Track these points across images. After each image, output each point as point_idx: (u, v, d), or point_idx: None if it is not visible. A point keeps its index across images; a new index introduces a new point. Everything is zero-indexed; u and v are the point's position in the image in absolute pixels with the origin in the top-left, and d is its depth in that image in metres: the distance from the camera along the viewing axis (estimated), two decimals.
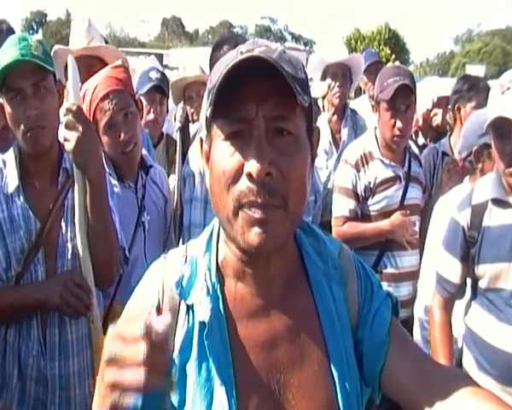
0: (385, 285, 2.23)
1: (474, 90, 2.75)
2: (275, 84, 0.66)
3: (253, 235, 0.69)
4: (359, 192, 2.30)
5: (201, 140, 0.79)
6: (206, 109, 0.73)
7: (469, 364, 1.67)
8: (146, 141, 2.48)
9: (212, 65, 2.00)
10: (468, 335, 1.70)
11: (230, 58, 0.71)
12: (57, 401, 1.48)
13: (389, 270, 2.32)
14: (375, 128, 2.39)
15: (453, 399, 0.71)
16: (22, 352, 1.47)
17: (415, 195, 2.38)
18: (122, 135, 1.80)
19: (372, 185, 2.29)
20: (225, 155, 0.71)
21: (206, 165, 0.77)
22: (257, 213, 0.69)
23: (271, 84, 0.67)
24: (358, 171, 2.30)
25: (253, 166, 0.67)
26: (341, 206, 2.33)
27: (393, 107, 2.22)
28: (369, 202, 2.31)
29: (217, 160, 0.72)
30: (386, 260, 2.32)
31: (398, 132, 2.25)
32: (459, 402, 0.71)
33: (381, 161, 2.31)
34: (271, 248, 0.71)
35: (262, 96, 0.68)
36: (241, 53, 0.70)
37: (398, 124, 2.23)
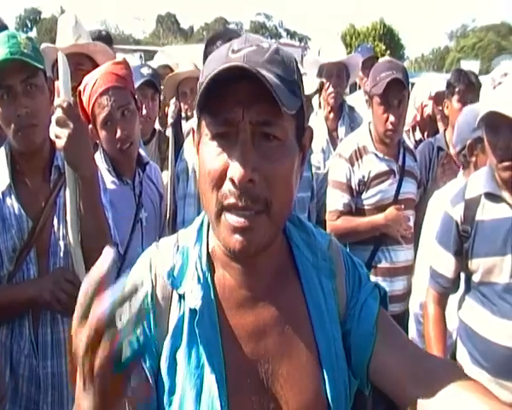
0: (379, 280, 2.24)
1: (459, 83, 2.78)
2: (261, 88, 0.65)
3: (234, 241, 0.70)
4: (353, 186, 2.30)
5: (193, 131, 0.79)
6: (195, 104, 0.72)
7: (463, 357, 1.67)
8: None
9: (205, 60, 1.99)
10: (461, 328, 1.70)
11: (219, 57, 0.70)
12: (50, 399, 1.47)
13: (384, 264, 2.32)
14: (370, 123, 2.39)
15: (440, 389, 0.72)
16: (14, 351, 1.46)
17: (409, 189, 2.38)
18: (119, 132, 1.79)
19: (366, 179, 2.29)
20: (211, 155, 0.71)
21: (197, 156, 0.76)
22: (238, 223, 0.69)
23: (258, 89, 0.66)
24: (352, 165, 2.30)
25: (235, 171, 0.67)
26: (335, 200, 2.32)
27: (386, 101, 2.22)
28: (364, 196, 2.31)
29: (203, 159, 0.72)
30: (380, 255, 2.32)
31: (390, 127, 2.25)
32: (446, 392, 0.71)
33: (375, 155, 2.31)
34: (254, 252, 0.72)
35: (249, 100, 0.68)
36: (233, 51, 0.70)
37: (391, 118, 2.23)
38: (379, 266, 2.31)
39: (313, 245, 0.85)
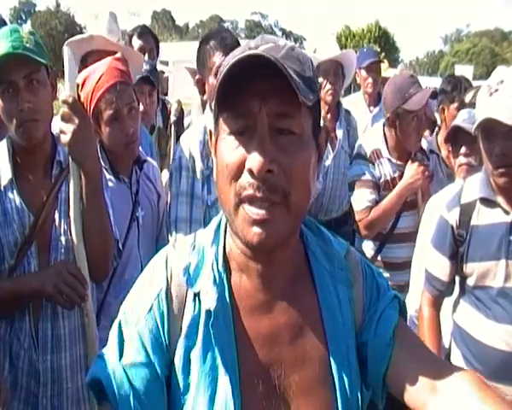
0: None
1: (457, 91, 2.82)
2: (278, 82, 0.66)
3: (252, 234, 0.70)
4: (378, 183, 2.40)
5: (210, 132, 0.80)
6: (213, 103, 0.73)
7: (457, 360, 1.69)
8: (145, 136, 2.47)
9: (198, 59, 1.97)
10: (456, 332, 1.72)
11: (237, 53, 0.71)
12: (49, 393, 1.48)
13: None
14: (384, 125, 2.45)
15: (459, 400, 0.70)
16: (14, 345, 1.46)
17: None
18: (126, 129, 1.78)
19: (386, 179, 2.41)
20: (229, 149, 0.71)
21: (214, 156, 0.77)
22: (256, 215, 0.69)
23: (275, 83, 0.66)
24: (373, 164, 2.41)
25: (253, 162, 0.67)
26: (363, 199, 2.40)
27: (419, 116, 2.32)
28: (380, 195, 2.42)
29: (221, 153, 0.73)
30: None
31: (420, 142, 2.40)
32: (466, 404, 0.70)
33: (389, 160, 2.41)
34: (272, 245, 0.71)
35: (266, 94, 0.68)
36: (250, 48, 0.71)
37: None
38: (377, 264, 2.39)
39: (330, 254, 0.84)
